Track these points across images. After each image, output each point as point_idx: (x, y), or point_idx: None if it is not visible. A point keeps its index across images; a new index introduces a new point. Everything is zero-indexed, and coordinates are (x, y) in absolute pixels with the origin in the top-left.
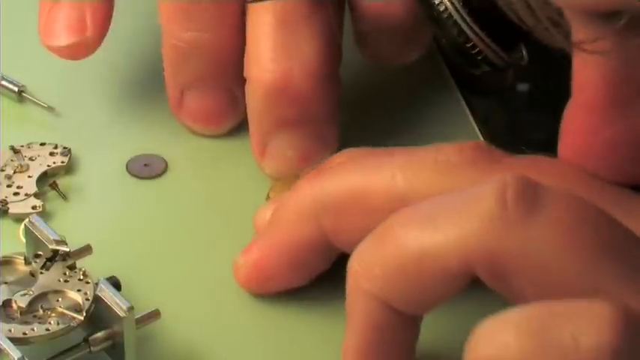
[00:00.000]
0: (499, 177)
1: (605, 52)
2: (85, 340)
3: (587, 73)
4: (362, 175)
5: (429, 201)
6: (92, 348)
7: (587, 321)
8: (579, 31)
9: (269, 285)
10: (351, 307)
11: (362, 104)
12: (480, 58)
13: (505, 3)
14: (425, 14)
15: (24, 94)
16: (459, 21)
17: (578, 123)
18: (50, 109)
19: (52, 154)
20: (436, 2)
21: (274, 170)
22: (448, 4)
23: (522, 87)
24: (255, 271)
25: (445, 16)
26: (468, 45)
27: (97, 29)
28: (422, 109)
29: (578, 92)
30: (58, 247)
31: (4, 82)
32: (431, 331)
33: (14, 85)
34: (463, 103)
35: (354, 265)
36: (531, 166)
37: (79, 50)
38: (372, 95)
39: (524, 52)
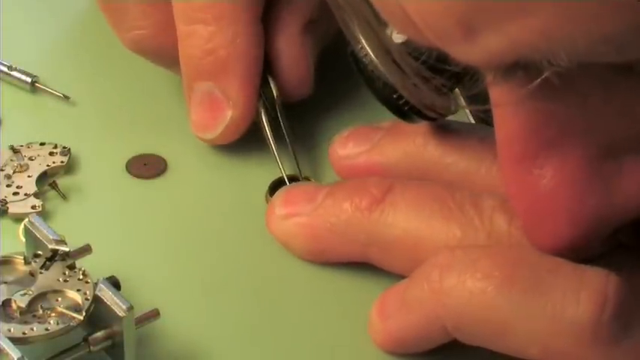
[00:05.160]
0: (601, 281)
1: (515, 102)
2: (85, 339)
3: (507, 126)
4: (417, 223)
5: (530, 266)
6: (92, 348)
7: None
8: (491, 87)
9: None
10: (417, 307)
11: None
12: (407, 108)
13: (369, 63)
14: (354, 67)
15: (37, 84)
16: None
17: (516, 180)
18: (65, 98)
19: (51, 153)
20: (363, 55)
21: (197, 118)
22: (373, 57)
23: None
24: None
25: (370, 68)
26: (395, 96)
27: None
28: None
29: (504, 147)
30: (57, 247)
31: (15, 73)
32: None
33: (27, 75)
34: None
35: (435, 279)
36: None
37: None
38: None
39: (460, 99)
